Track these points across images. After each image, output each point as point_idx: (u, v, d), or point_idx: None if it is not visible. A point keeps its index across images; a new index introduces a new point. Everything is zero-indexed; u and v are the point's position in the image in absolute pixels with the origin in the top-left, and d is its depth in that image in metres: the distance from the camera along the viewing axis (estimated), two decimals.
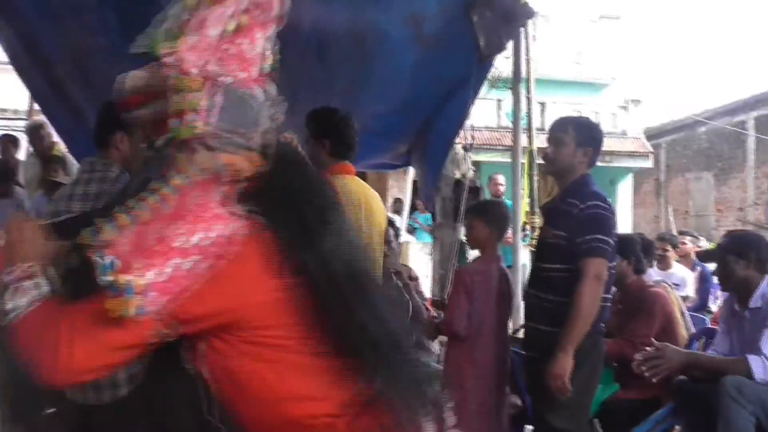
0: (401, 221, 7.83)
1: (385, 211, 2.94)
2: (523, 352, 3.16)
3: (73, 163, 5.15)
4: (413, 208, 9.11)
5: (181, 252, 1.08)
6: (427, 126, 4.22)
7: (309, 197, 1.24)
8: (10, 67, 3.95)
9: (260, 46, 1.22)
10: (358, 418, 1.19)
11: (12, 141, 6.22)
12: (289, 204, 1.21)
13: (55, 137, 5.69)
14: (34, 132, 5.80)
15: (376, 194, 2.93)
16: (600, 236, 2.74)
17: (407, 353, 1.29)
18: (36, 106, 7.73)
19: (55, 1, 3.34)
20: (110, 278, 1.04)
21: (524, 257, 4.78)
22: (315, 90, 3.44)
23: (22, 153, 6.06)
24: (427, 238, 8.21)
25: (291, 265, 1.16)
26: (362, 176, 3.17)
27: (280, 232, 1.17)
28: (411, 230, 9.42)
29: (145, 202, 1.11)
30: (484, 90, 4.27)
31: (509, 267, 3.69)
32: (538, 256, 3.12)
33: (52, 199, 2.50)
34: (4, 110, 12.29)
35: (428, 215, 7.76)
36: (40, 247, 1.21)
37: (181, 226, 1.09)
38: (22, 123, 9.06)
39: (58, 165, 5.33)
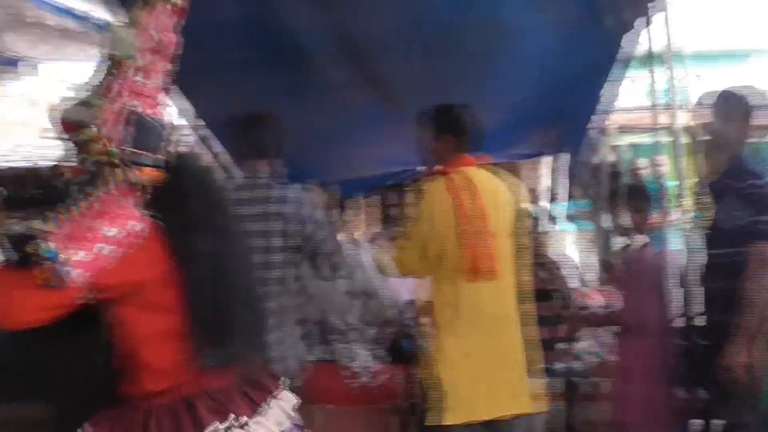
0: (548, 210, 7.66)
1: (521, 199, 2.90)
2: (695, 342, 3.07)
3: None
4: (563, 196, 8.88)
5: (103, 240, 1.56)
6: (562, 112, 4.12)
7: (193, 202, 1.72)
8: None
9: (159, 81, 1.72)
10: (191, 384, 1.68)
11: None
12: (176, 207, 1.70)
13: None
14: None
15: (509, 183, 2.94)
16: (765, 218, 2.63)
17: (250, 333, 1.81)
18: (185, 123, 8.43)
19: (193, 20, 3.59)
20: (49, 255, 1.48)
21: (680, 242, 4.52)
22: (443, 87, 3.47)
23: None
24: (578, 226, 7.98)
25: (174, 253, 1.65)
26: (504, 168, 3.15)
27: (169, 230, 1.67)
28: (563, 218, 9.18)
29: (79, 204, 1.57)
30: (626, 69, 4.08)
31: (666, 251, 3.51)
32: (705, 240, 2.99)
33: None
34: None
35: (574, 202, 7.54)
36: None
37: (105, 222, 1.57)
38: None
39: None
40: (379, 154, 4.48)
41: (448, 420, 2.69)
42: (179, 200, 1.71)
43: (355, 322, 3.52)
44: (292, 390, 2.03)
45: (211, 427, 1.64)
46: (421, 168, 3.40)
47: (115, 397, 1.69)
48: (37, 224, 1.51)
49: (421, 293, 3.04)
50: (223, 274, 1.74)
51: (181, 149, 1.79)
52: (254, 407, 1.75)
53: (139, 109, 1.67)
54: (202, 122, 4.67)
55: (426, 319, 2.90)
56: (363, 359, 3.31)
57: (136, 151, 1.65)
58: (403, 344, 3.51)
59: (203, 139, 6.05)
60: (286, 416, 1.83)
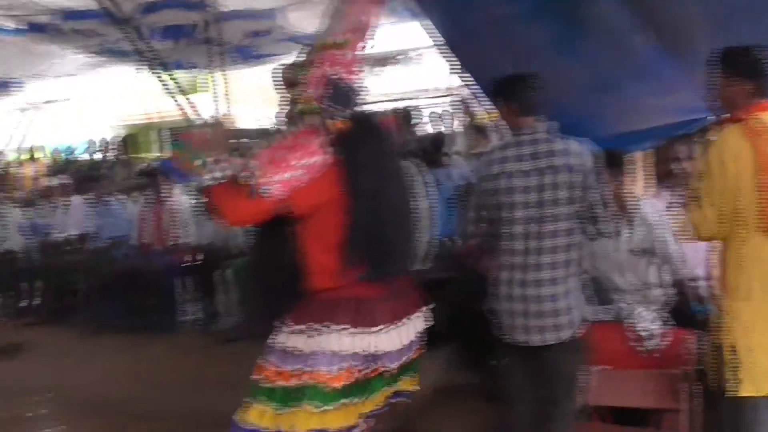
0: None
1: None
2: None
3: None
4: None
5: (296, 167, 2.21)
6: None
7: (364, 149, 2.34)
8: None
9: (350, 56, 2.36)
10: (342, 289, 2.31)
11: (404, 115, 7.11)
12: (352, 150, 2.31)
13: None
14: (463, 106, 6.69)
15: None
16: None
17: (398, 257, 2.46)
18: (458, 82, 8.80)
19: None
20: (255, 176, 2.17)
21: None
22: (736, 26, 3.24)
23: (454, 125, 6.94)
24: None
25: (346, 182, 2.28)
26: None
27: (345, 166, 2.28)
28: None
29: (278, 136, 2.30)
30: None
31: None
32: None
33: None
34: (425, 90, 13.96)
35: None
36: (225, 142, 2.35)
37: (298, 154, 2.23)
38: (447, 99, 10.26)
39: (481, 135, 5.98)
40: (661, 104, 4.27)
41: (745, 391, 2.61)
42: (355, 145, 2.33)
43: (638, 282, 3.50)
44: (573, 344, 2.81)
45: (343, 326, 2.27)
46: (712, 116, 3.22)
47: (300, 293, 2.37)
48: (252, 150, 2.23)
49: (713, 253, 2.93)
50: (379, 204, 2.34)
51: (363, 108, 2.46)
52: (390, 319, 2.35)
53: (337, 76, 2.34)
54: (471, 80, 4.90)
55: (718, 281, 2.79)
56: (647, 321, 3.28)
57: (331, 106, 2.32)
58: (692, 307, 3.41)
59: (474, 96, 6.34)
60: (415, 335, 2.46)
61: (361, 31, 2.38)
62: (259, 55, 9.41)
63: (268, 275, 2.46)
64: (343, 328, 2.27)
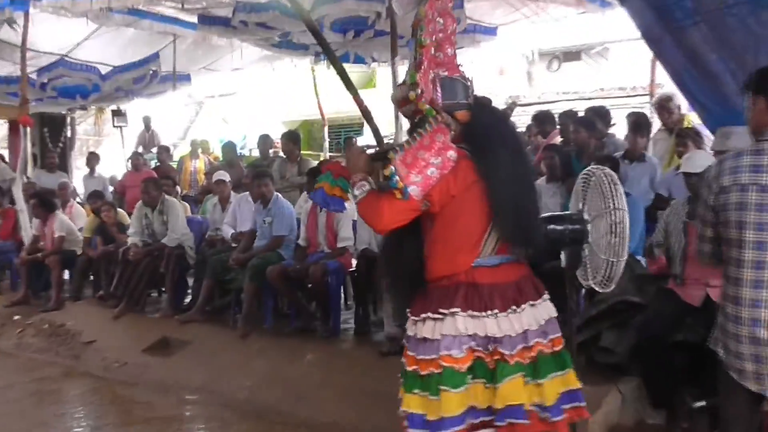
0: None
1: None
2: None
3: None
4: None
5: (430, 166, 2.53)
6: None
7: (490, 131, 2.70)
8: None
9: (451, 52, 2.73)
10: (459, 275, 2.66)
11: (599, 115, 6.78)
12: (478, 136, 2.67)
13: (684, 109, 6.14)
14: (663, 105, 6.35)
15: None
16: None
17: (536, 234, 2.78)
18: (656, 80, 8.43)
19: None
20: (396, 179, 2.48)
21: None
22: None
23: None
24: None
25: (478, 171, 2.62)
26: None
27: (474, 153, 2.64)
28: None
29: (412, 141, 2.55)
30: None
31: None
32: None
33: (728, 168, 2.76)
34: (623, 88, 13.46)
35: None
36: (366, 165, 2.74)
37: (431, 153, 2.54)
38: (643, 99, 9.85)
39: (683, 139, 5.63)
40: None
41: None
42: (480, 131, 2.68)
43: None
44: None
45: (456, 309, 2.59)
46: None
47: (423, 286, 2.72)
48: (391, 155, 2.52)
49: None
50: (515, 183, 2.64)
51: (477, 95, 2.77)
52: (505, 305, 2.61)
53: (444, 73, 2.68)
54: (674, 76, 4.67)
55: None
56: None
57: (446, 102, 2.65)
58: None
59: (673, 96, 6.03)
60: (535, 322, 2.66)
61: (446, 31, 2.71)
62: None
63: (397, 269, 2.84)
64: (458, 312, 2.59)
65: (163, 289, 8.05)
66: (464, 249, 2.66)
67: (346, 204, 3.03)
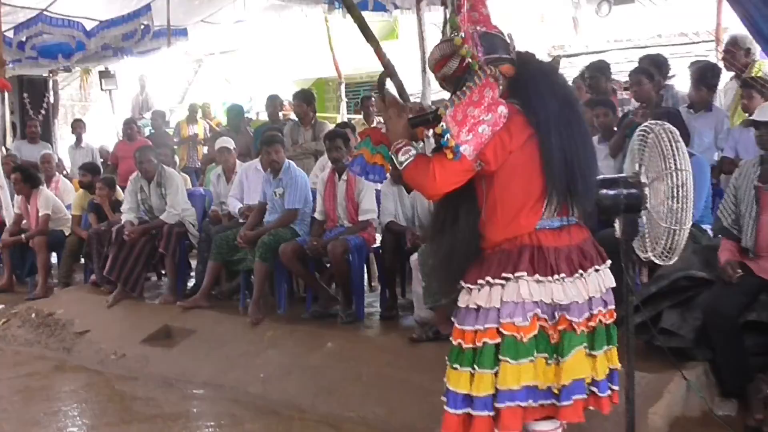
0: None
1: None
2: None
3: None
4: None
5: (482, 122, 2.67)
6: None
7: (538, 81, 2.83)
8: None
9: (486, 12, 2.90)
10: (521, 238, 2.81)
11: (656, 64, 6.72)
12: (527, 88, 2.81)
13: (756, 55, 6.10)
14: (727, 49, 6.34)
15: None
16: None
17: (591, 193, 2.90)
18: (723, 24, 8.35)
19: None
20: (448, 137, 2.64)
21: None
22: None
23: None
24: None
25: (530, 125, 2.76)
26: None
27: (524, 108, 2.78)
28: None
29: (460, 93, 2.68)
30: None
31: None
32: None
33: None
34: (684, 34, 13.30)
35: None
36: (406, 131, 2.90)
37: (482, 109, 2.68)
38: (708, 47, 9.77)
39: (756, 91, 5.58)
40: None
41: None
42: (528, 84, 2.82)
43: None
44: None
45: (521, 273, 2.73)
46: None
47: (480, 249, 2.88)
48: (441, 111, 2.69)
49: None
50: (570, 137, 2.78)
51: (520, 50, 2.92)
52: (571, 270, 2.75)
53: (482, 29, 2.84)
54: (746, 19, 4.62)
55: None
56: None
57: (490, 56, 2.79)
58: None
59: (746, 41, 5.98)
60: (598, 290, 2.81)
61: None
62: None
63: (453, 240, 2.92)
64: (523, 277, 2.73)
65: (163, 272, 8.15)
66: (526, 209, 2.80)
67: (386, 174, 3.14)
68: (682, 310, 4.48)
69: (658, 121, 3.36)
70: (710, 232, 4.93)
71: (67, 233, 8.80)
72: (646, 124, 3.37)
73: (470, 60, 2.77)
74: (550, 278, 2.73)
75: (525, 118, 2.77)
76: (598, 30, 15.31)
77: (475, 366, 2.77)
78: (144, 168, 7.73)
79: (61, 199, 9.24)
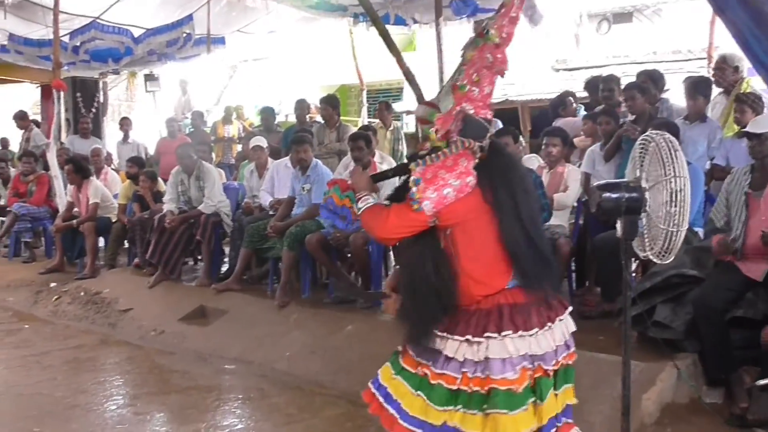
0: None
1: None
2: None
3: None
4: None
5: (447, 186, 2.65)
6: None
7: (501, 171, 2.76)
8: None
9: (488, 90, 2.82)
10: (496, 296, 2.73)
11: (652, 79, 6.64)
12: (491, 172, 2.72)
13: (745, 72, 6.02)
14: (717, 66, 6.28)
15: None
16: None
17: (543, 263, 2.79)
18: (715, 43, 8.25)
19: None
20: (414, 190, 2.64)
21: None
22: None
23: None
24: None
25: (489, 200, 2.71)
26: None
27: (486, 184, 2.71)
28: None
29: (434, 157, 2.67)
30: None
31: None
32: None
33: None
34: (678, 51, 13.19)
35: None
36: (368, 184, 3.05)
37: (450, 173, 2.66)
38: (700, 64, 9.67)
39: (745, 106, 5.52)
40: None
41: None
42: (492, 171, 2.72)
43: None
44: None
45: (508, 332, 2.63)
46: None
47: (450, 307, 2.74)
48: (412, 166, 2.67)
49: None
50: (520, 218, 2.72)
51: (494, 140, 2.83)
52: (541, 322, 2.69)
53: (470, 111, 2.76)
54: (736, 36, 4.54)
55: None
56: None
57: (462, 139, 2.69)
58: None
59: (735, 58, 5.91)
60: (563, 337, 2.76)
61: (493, 68, 2.79)
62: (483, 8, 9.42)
63: (423, 288, 2.78)
64: (509, 334, 2.65)
65: (200, 257, 8.18)
66: (498, 270, 2.75)
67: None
68: (674, 305, 4.44)
69: (659, 131, 3.32)
70: (701, 234, 4.88)
71: (113, 220, 8.85)
72: (647, 133, 3.32)
73: (437, 143, 2.75)
74: (527, 333, 2.67)
75: (487, 195, 2.71)
76: (598, 46, 15.24)
77: (461, 407, 2.69)
78: (185, 163, 7.76)
79: (109, 189, 9.30)
